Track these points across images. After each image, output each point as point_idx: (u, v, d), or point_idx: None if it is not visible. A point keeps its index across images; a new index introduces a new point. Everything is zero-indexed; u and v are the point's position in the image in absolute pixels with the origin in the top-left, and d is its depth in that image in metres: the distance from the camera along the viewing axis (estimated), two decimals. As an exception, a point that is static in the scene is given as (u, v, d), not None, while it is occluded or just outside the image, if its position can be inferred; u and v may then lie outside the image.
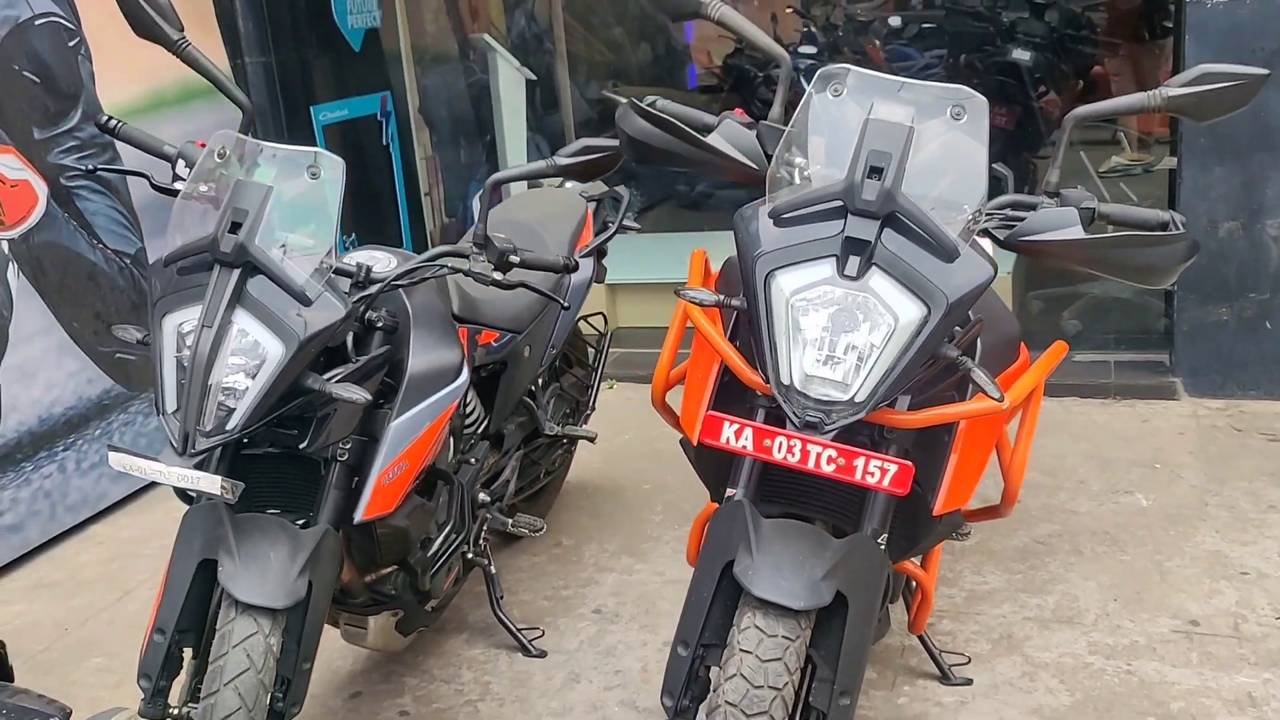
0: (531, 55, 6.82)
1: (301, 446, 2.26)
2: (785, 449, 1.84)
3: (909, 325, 1.84)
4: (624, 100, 2.22)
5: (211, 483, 2.07)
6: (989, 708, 2.67)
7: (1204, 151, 4.06)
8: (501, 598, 3.06)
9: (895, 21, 6.58)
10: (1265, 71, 1.94)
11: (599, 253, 3.40)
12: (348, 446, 2.35)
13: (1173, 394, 4.26)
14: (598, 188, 3.47)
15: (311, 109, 5.25)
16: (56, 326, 3.86)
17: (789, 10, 7.14)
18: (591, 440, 3.46)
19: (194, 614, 2.22)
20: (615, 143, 2.46)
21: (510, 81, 6.21)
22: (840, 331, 1.84)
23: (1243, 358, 4.21)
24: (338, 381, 2.19)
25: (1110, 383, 4.29)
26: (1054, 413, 4.17)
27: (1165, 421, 4.10)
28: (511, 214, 3.28)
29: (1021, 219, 2.02)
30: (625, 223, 3.23)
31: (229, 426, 2.09)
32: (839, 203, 1.87)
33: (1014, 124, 5.62)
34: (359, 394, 2.15)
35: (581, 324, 3.57)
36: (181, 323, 2.14)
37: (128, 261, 4.15)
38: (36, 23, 3.86)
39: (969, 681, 2.76)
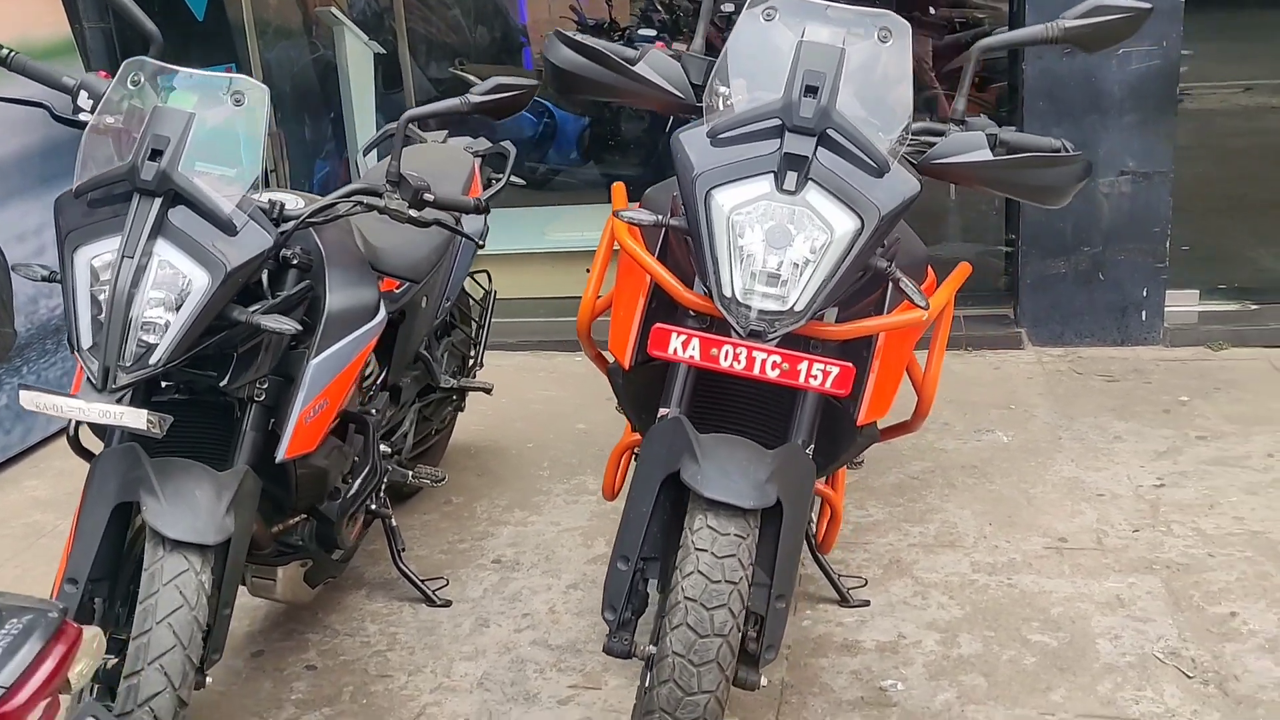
0: (373, 32, 6.72)
1: (222, 385, 2.21)
2: (731, 357, 1.90)
3: (844, 237, 1.93)
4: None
5: (137, 417, 2.00)
6: (888, 624, 2.81)
7: (1043, 114, 4.34)
8: (403, 550, 3.04)
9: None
10: (1149, 5, 2.11)
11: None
12: (264, 387, 2.31)
13: (1019, 344, 4.54)
14: (482, 144, 3.47)
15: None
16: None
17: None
18: (488, 391, 3.46)
19: (108, 562, 2.14)
20: (529, 82, 2.50)
21: (358, 57, 6.11)
22: (779, 244, 1.92)
23: (1079, 307, 4.51)
24: (264, 313, 2.14)
25: (962, 335, 4.52)
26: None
27: (1014, 369, 4.36)
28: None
29: (933, 144, 2.14)
30: (512, 178, 3.25)
31: (152, 361, 2.03)
32: (776, 121, 1.95)
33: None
34: (288, 324, 2.11)
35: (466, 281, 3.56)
36: (94, 256, 2.06)
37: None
38: None
39: (866, 603, 2.89)
